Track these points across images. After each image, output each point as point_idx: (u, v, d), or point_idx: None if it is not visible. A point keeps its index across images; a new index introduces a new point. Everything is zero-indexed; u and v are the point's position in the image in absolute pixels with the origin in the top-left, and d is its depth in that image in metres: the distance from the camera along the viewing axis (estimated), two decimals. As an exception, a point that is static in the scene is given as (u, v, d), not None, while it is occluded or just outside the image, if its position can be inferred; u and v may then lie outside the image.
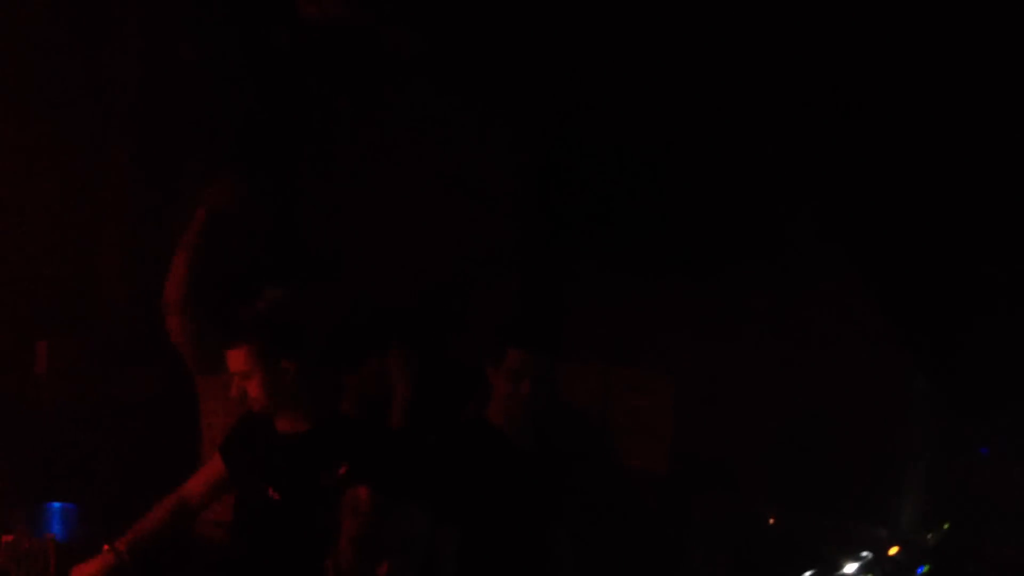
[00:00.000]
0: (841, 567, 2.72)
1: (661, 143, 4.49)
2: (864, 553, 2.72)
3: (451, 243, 4.67)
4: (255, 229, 4.07)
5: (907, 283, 4.31)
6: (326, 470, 2.95)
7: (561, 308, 4.48)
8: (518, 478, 3.09)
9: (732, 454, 4.36)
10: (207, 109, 4.26)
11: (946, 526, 3.61)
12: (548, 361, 3.15)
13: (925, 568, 2.99)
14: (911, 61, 4.01)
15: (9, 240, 3.89)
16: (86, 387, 4.08)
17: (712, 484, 4.26)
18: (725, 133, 4.44)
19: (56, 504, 3.28)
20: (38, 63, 4.00)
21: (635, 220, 4.56)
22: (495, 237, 4.72)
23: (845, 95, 4.16)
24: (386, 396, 3.62)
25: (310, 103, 4.57)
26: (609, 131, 4.57)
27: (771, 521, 4.12)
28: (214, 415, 3.53)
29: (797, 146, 4.39)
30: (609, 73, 4.48)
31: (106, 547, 2.96)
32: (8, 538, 2.97)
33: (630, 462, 3.80)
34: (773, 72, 4.27)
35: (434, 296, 4.56)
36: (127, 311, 4.31)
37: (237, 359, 2.99)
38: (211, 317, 3.52)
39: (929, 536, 3.43)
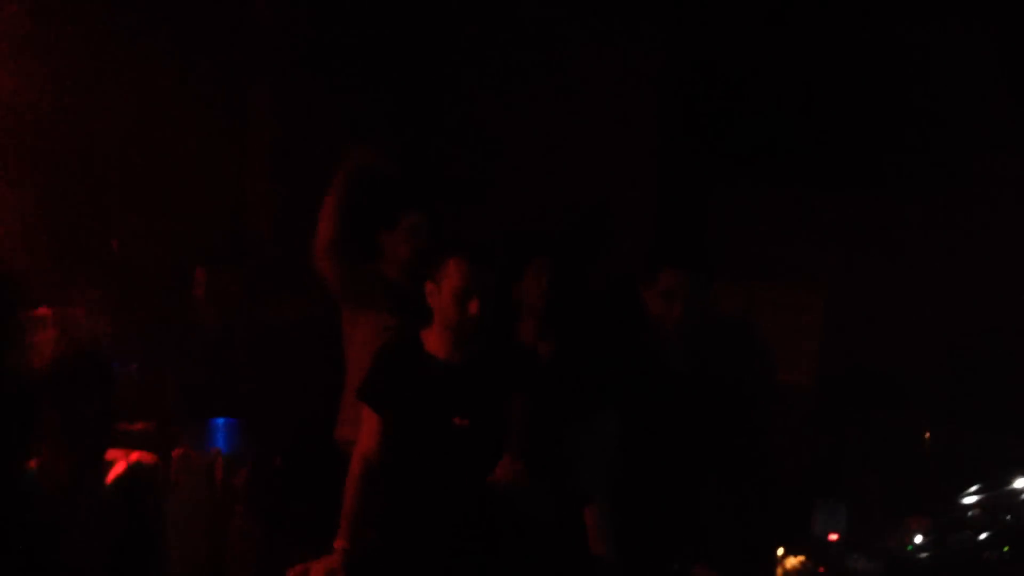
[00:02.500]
0: (1008, 484, 2.62)
1: (809, 47, 4.32)
2: (1034, 469, 2.62)
3: (592, 161, 4.63)
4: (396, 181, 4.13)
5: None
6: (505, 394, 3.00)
7: (707, 224, 4.41)
8: (674, 399, 3.08)
9: (887, 369, 4.24)
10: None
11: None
12: (701, 280, 3.10)
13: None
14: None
15: (171, 175, 4.03)
16: (241, 310, 4.22)
17: (866, 400, 4.17)
18: (877, 36, 4.24)
19: (220, 420, 3.43)
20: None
21: (782, 129, 4.41)
22: (637, 153, 4.65)
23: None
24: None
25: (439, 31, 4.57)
26: (755, 36, 4.42)
27: (927, 436, 4.01)
28: (361, 344, 3.61)
29: (953, 45, 4.16)
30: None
31: (336, 545, 3.05)
32: (178, 452, 3.12)
33: (779, 378, 3.73)
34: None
35: (578, 216, 4.54)
36: (279, 240, 4.44)
37: (459, 272, 3.02)
38: (358, 257, 3.59)
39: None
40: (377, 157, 3.56)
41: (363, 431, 3.17)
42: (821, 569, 2.64)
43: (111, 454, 2.52)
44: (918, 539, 2.63)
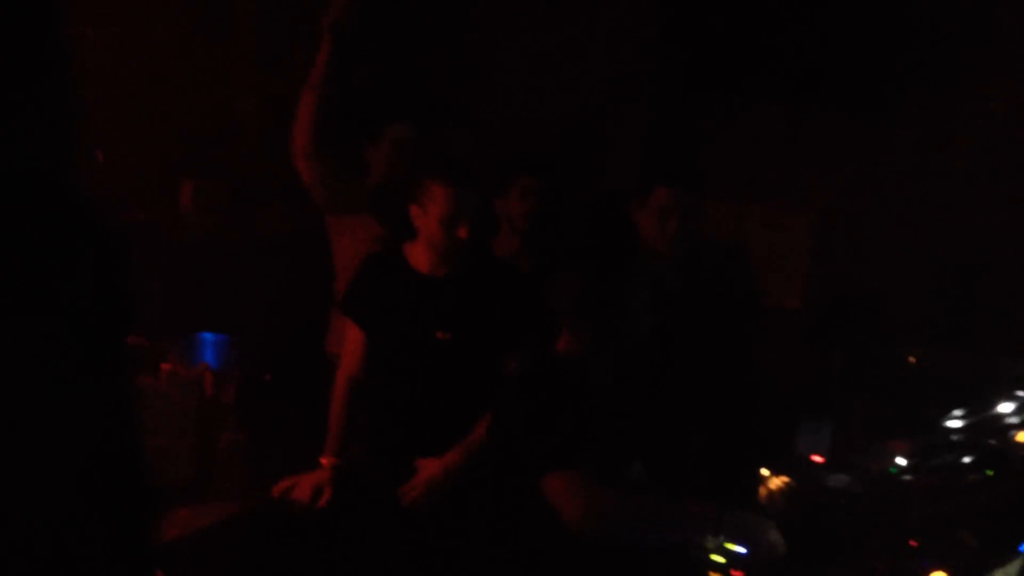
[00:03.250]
0: (993, 407, 2.64)
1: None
2: (1020, 393, 2.63)
3: (583, 79, 4.56)
4: (378, 60, 4.04)
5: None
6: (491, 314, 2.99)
7: (698, 142, 4.37)
8: (663, 316, 3.08)
9: (874, 291, 4.25)
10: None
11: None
12: (694, 197, 3.09)
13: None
14: None
15: (154, 85, 3.96)
16: (228, 224, 4.19)
17: (852, 323, 4.18)
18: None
19: (209, 335, 3.42)
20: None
21: (773, 46, 4.34)
22: (630, 70, 4.59)
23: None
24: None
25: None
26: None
27: (911, 360, 4.04)
28: (345, 254, 3.59)
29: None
30: None
31: (322, 461, 3.06)
32: (167, 367, 3.12)
33: (767, 299, 3.74)
34: None
35: (568, 133, 4.50)
36: (265, 152, 4.38)
37: (443, 196, 2.98)
38: (340, 159, 3.54)
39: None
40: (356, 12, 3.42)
41: (347, 345, 3.18)
42: (804, 489, 2.66)
43: None
44: (901, 461, 2.66)
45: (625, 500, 2.37)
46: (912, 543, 2.32)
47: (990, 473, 2.50)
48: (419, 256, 3.11)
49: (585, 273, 2.57)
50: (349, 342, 3.17)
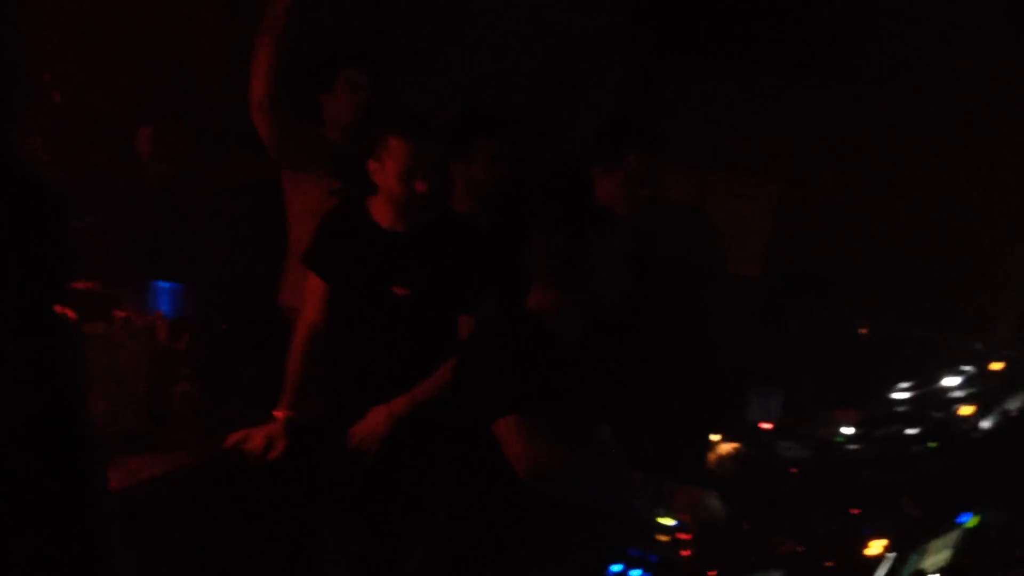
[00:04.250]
0: (939, 380, 2.69)
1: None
2: (965, 367, 2.68)
3: (546, 37, 4.54)
4: (337, 15, 3.98)
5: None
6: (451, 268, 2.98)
7: (663, 109, 4.37)
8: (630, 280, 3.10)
9: (830, 263, 4.30)
10: None
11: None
12: (660, 163, 3.11)
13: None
14: None
15: (116, 27, 3.88)
16: (187, 170, 4.14)
17: (808, 292, 4.23)
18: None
19: (164, 283, 3.39)
20: None
21: (742, 14, 4.35)
22: (594, 32, 4.56)
23: None
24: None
25: None
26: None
27: (862, 332, 4.10)
28: (301, 206, 3.57)
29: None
30: None
31: (276, 414, 3.05)
32: (121, 314, 3.09)
33: (726, 267, 3.77)
34: None
35: (532, 94, 4.47)
36: (226, 98, 4.32)
37: (402, 150, 2.96)
38: (296, 111, 3.50)
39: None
40: None
41: (308, 298, 3.17)
42: (752, 455, 2.70)
43: None
44: (847, 431, 2.70)
45: (568, 455, 2.40)
46: (854, 511, 2.37)
47: (933, 445, 2.56)
48: (380, 210, 3.10)
49: (553, 235, 2.57)
50: (310, 294, 3.17)
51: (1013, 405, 2.62)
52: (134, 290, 3.30)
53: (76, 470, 1.92)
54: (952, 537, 2.19)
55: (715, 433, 2.74)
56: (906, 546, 2.09)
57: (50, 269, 1.81)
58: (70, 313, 2.07)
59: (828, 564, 2.18)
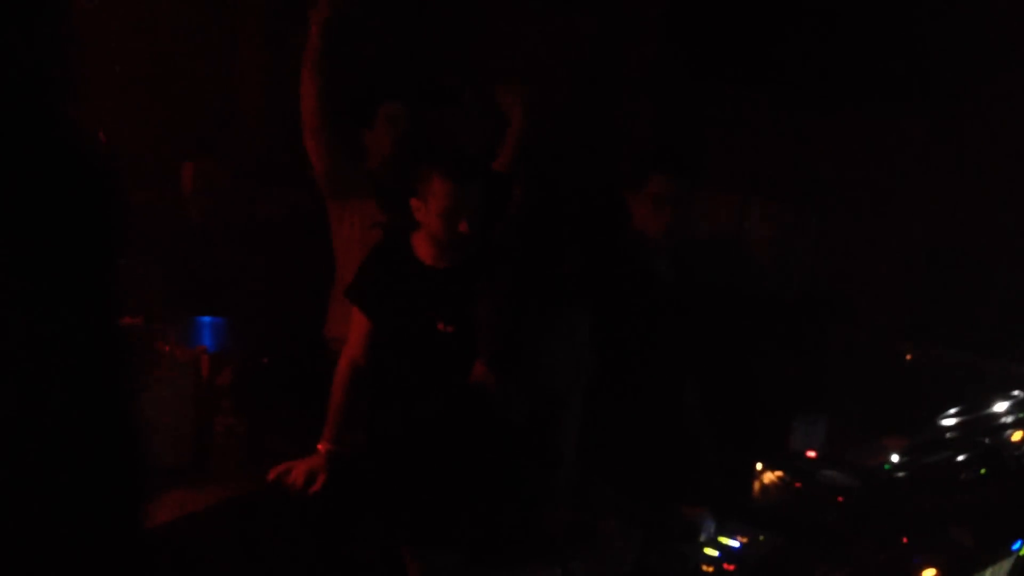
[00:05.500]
0: (988, 406, 2.64)
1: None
2: (1015, 392, 2.64)
3: (584, 65, 4.55)
4: (375, 40, 4.02)
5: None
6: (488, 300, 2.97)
7: (699, 135, 4.36)
8: (657, 306, 3.08)
9: (872, 288, 4.25)
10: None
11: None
12: (689, 187, 3.09)
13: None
14: None
15: (158, 66, 3.96)
16: (229, 205, 4.18)
17: (849, 317, 4.18)
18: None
19: (207, 317, 3.42)
20: None
21: (779, 42, 4.33)
22: (631, 58, 4.58)
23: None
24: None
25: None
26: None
27: (908, 357, 4.04)
28: (346, 239, 3.59)
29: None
30: None
31: (319, 447, 3.05)
32: (164, 348, 3.12)
33: (765, 293, 3.74)
34: None
35: (568, 122, 4.48)
36: (268, 132, 4.38)
37: (443, 191, 2.96)
38: (345, 141, 3.53)
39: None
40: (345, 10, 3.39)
41: (351, 331, 3.17)
42: (797, 485, 2.67)
43: None
44: (895, 458, 2.66)
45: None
46: (904, 539, 2.33)
47: (984, 472, 2.51)
48: (423, 247, 3.10)
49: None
50: (354, 329, 3.17)
51: (1065, 430, 2.57)
52: (177, 325, 3.33)
53: (127, 501, 1.92)
54: (1005, 565, 2.14)
55: (759, 462, 2.71)
56: (958, 575, 2.05)
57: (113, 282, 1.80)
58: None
59: (878, 595, 2.14)
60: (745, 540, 2.42)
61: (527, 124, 3.52)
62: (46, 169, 1.59)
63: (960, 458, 2.56)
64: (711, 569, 2.33)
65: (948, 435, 2.69)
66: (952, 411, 2.70)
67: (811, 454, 2.80)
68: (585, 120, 4.49)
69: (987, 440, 2.60)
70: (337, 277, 3.64)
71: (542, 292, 2.52)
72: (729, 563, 2.34)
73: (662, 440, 3.06)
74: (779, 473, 2.68)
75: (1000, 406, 2.63)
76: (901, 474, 2.61)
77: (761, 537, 2.43)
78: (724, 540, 2.44)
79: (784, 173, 4.49)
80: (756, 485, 2.68)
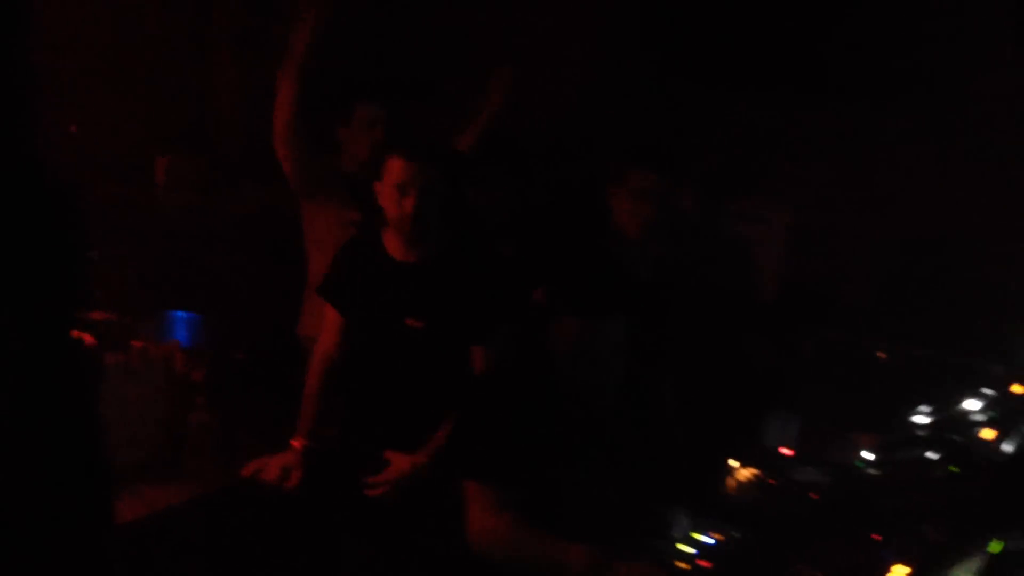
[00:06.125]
0: (959, 404, 2.67)
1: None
2: (985, 390, 2.66)
3: (559, 65, 4.55)
4: (354, 45, 4.01)
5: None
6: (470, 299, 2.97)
7: (676, 133, 4.37)
8: (635, 301, 3.09)
9: (845, 287, 4.28)
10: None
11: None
12: (669, 183, 3.10)
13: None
14: None
15: (131, 61, 3.93)
16: (202, 200, 4.16)
17: (823, 316, 4.21)
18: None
19: (181, 313, 3.40)
20: None
21: (756, 38, 4.35)
22: (610, 56, 4.58)
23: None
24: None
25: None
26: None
27: (880, 355, 4.07)
28: (318, 237, 3.58)
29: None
30: None
31: (293, 443, 3.05)
32: (138, 344, 3.10)
33: (740, 290, 3.76)
34: None
35: (545, 120, 4.48)
36: (241, 128, 4.35)
37: (395, 168, 2.97)
38: (315, 141, 3.53)
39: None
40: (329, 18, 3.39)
41: (325, 327, 3.17)
42: (771, 482, 2.68)
43: None
44: (867, 455, 2.68)
45: (515, 531, 2.36)
46: (875, 537, 2.34)
47: (955, 469, 2.53)
48: (392, 242, 3.10)
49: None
50: (327, 325, 3.17)
51: (1035, 428, 2.60)
52: (151, 320, 3.31)
53: (90, 498, 1.91)
54: (975, 563, 2.16)
55: (733, 459, 2.72)
56: (928, 572, 2.06)
57: (69, 279, 1.79)
58: (88, 338, 2.08)
59: (850, 591, 2.16)
60: (720, 537, 2.43)
61: (500, 102, 3.52)
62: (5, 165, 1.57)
63: (931, 456, 2.58)
64: (687, 566, 2.34)
65: (920, 433, 2.71)
66: (924, 409, 2.72)
67: (785, 451, 2.81)
68: (564, 114, 4.50)
69: (958, 438, 2.62)
70: (309, 276, 3.63)
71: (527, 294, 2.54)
72: (703, 560, 2.35)
73: (638, 436, 3.07)
74: (753, 470, 2.69)
75: (971, 404, 2.66)
76: (873, 471, 2.63)
77: (735, 534, 2.44)
78: (698, 537, 2.45)
79: (760, 171, 4.51)
80: (731, 482, 2.69)
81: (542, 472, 2.46)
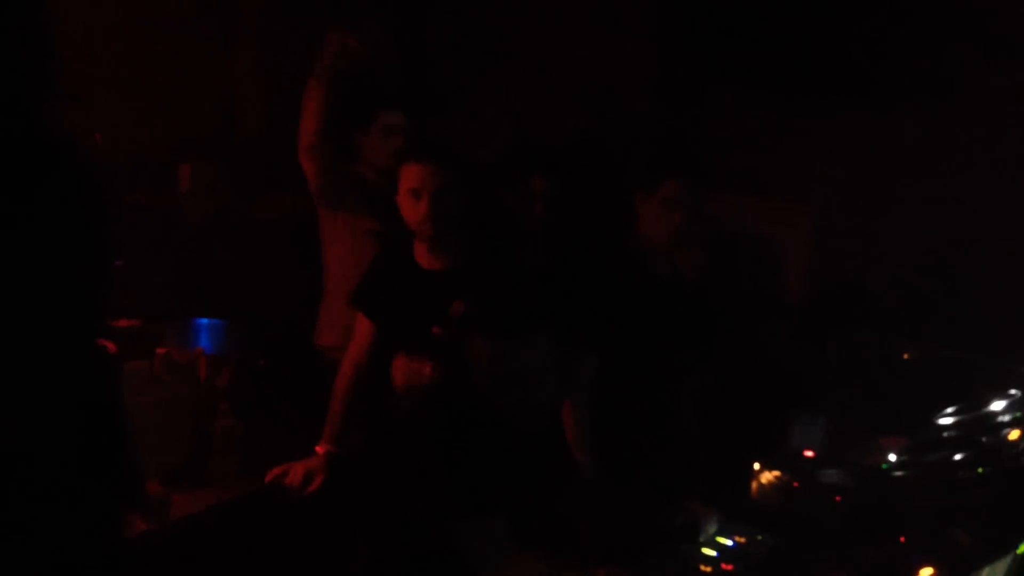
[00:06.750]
0: (986, 405, 2.64)
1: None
2: (1012, 391, 2.64)
3: (584, 72, 4.55)
4: (383, 69, 4.02)
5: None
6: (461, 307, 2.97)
7: (700, 136, 4.36)
8: (658, 308, 3.08)
9: (871, 288, 4.25)
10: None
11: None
12: (701, 191, 3.08)
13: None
14: None
15: (155, 69, 3.96)
16: (226, 207, 4.19)
17: (849, 317, 4.18)
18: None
19: (205, 319, 3.42)
20: None
21: (777, 41, 4.33)
22: (635, 64, 4.57)
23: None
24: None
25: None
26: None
27: (905, 356, 4.04)
28: (339, 247, 3.59)
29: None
30: None
31: (317, 449, 3.06)
32: (162, 351, 3.12)
33: (764, 292, 3.74)
34: None
35: (571, 128, 4.48)
36: (265, 136, 4.38)
37: (409, 173, 2.98)
38: (340, 155, 3.54)
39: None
40: (358, 40, 3.41)
41: (354, 336, 3.18)
42: (795, 484, 2.67)
43: None
44: (893, 458, 2.66)
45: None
46: (902, 538, 2.33)
47: (981, 470, 2.51)
48: (420, 251, 3.11)
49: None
50: (357, 332, 3.18)
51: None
52: (175, 327, 3.33)
53: (122, 502, 1.92)
54: (1003, 564, 2.14)
55: (757, 462, 2.71)
56: (956, 574, 2.05)
57: (99, 288, 1.80)
58: (111, 346, 2.09)
59: (876, 594, 2.15)
60: (743, 540, 2.42)
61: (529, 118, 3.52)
62: (37, 171, 1.59)
63: (958, 457, 2.56)
64: (709, 569, 2.33)
65: (946, 434, 2.69)
66: (950, 410, 2.70)
67: (809, 453, 2.80)
68: (593, 123, 4.49)
69: (984, 439, 2.60)
70: (327, 285, 3.64)
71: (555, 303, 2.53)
72: (727, 563, 2.34)
73: (662, 439, 3.06)
74: (777, 473, 2.67)
75: (997, 405, 2.63)
76: (899, 473, 2.61)
77: (759, 537, 2.43)
78: (722, 540, 2.44)
79: (783, 172, 4.49)
80: (754, 485, 2.68)
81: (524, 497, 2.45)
